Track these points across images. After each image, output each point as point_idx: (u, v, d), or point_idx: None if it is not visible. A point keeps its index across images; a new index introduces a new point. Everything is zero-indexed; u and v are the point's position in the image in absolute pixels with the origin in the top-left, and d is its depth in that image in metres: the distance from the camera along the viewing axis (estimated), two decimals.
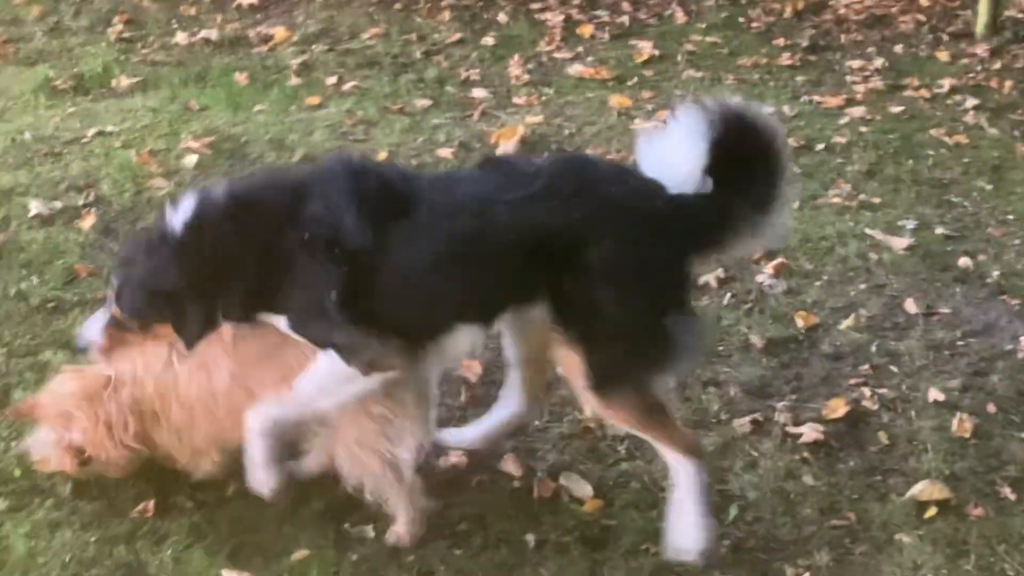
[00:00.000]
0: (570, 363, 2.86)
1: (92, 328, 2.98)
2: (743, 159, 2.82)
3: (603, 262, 2.74)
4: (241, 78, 5.84)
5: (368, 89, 5.79)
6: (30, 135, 5.06)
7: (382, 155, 4.95)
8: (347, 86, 5.82)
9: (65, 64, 5.92)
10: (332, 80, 5.88)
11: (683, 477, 2.91)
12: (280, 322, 2.84)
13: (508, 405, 3.22)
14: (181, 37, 6.36)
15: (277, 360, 2.91)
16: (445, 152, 5.05)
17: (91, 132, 5.13)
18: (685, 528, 2.92)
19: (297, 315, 2.81)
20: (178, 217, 2.78)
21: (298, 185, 2.86)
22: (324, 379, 2.85)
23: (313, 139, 5.18)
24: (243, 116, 5.40)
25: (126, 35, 6.37)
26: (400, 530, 2.97)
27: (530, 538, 3.01)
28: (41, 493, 3.06)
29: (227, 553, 2.91)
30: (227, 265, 2.78)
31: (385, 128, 5.32)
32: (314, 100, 5.63)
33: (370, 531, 3.00)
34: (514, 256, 2.76)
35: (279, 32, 6.49)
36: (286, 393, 2.87)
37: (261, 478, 2.91)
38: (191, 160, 4.88)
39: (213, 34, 6.41)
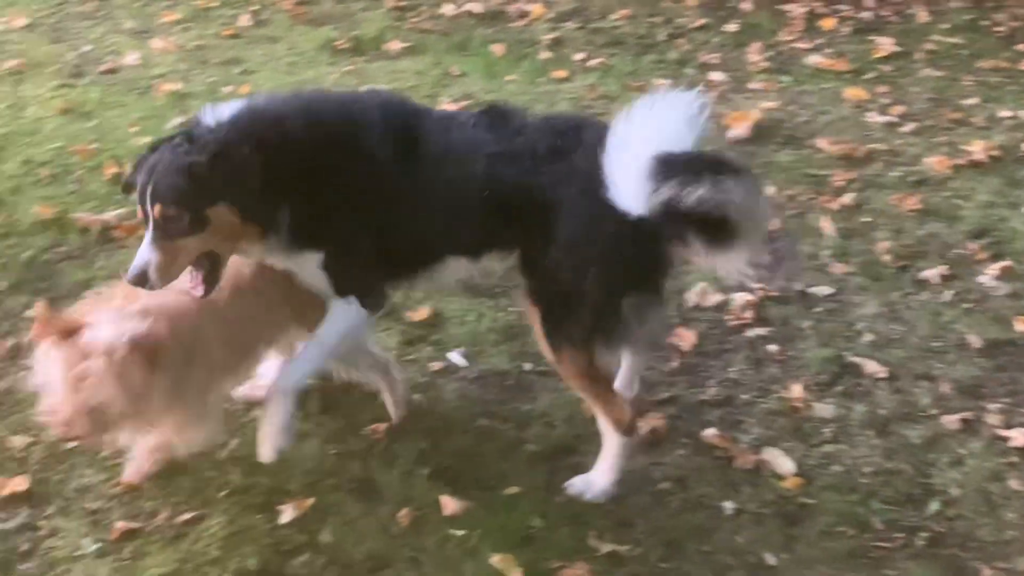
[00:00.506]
0: (530, 312, 2.89)
1: (141, 255, 2.60)
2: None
3: (565, 228, 2.72)
4: (498, 49, 5.96)
5: (612, 66, 5.80)
6: (311, 88, 5.35)
7: None
8: (593, 62, 5.84)
9: (346, 27, 6.19)
10: (579, 56, 5.91)
11: (608, 445, 3.00)
12: (311, 261, 2.83)
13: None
14: (448, 8, 6.53)
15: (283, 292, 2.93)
16: None
17: (363, 89, 5.37)
18: (597, 475, 3.02)
19: (336, 250, 2.83)
20: (225, 119, 2.70)
21: (342, 113, 2.88)
22: (345, 325, 2.90)
23: (557, 109, 5.24)
24: (496, 84, 5.53)
25: (401, 4, 6.59)
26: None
27: (728, 505, 3.01)
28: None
29: (447, 480, 3.03)
30: (288, 174, 2.69)
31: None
32: (561, 73, 5.69)
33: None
34: (489, 206, 2.78)
35: (536, 9, 6.57)
36: (309, 346, 2.93)
37: (276, 437, 2.86)
38: None
39: (477, 7, 6.55)
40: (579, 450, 3.18)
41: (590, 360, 2.84)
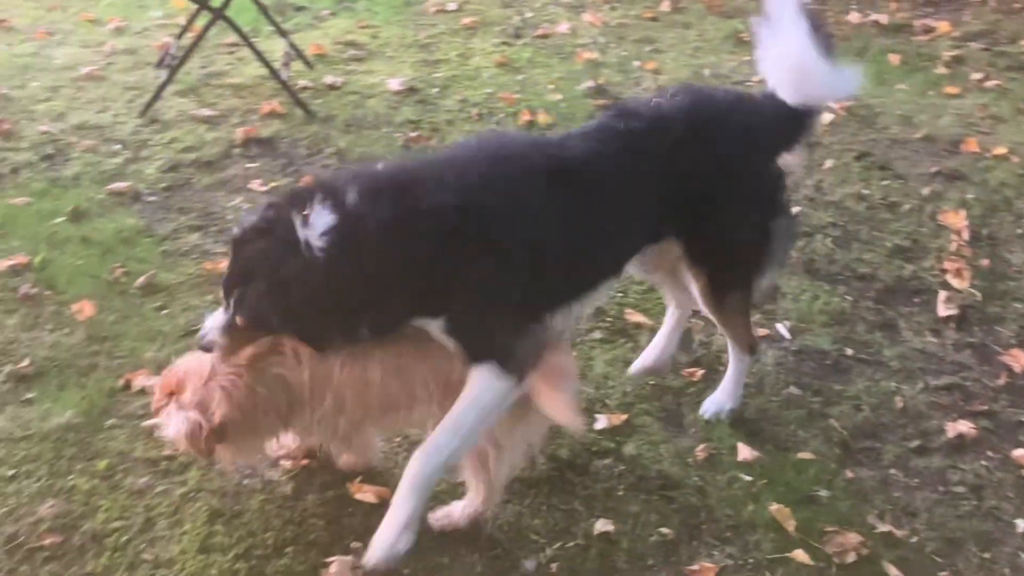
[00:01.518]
0: (695, 279, 2.79)
1: (212, 328, 2.32)
2: None
3: (728, 191, 2.64)
4: (894, 59, 5.64)
5: (1009, 90, 5.28)
6: (708, 72, 5.39)
7: (999, 150, 4.57)
8: (989, 83, 5.35)
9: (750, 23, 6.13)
10: (977, 76, 5.44)
11: (736, 365, 3.00)
12: (434, 325, 2.31)
13: (675, 308, 3.14)
14: (854, 16, 6.26)
15: (428, 351, 2.38)
16: None
17: (755, 79, 5.33)
18: (725, 395, 3.02)
19: (460, 314, 2.29)
20: (316, 224, 2.15)
21: (445, 174, 2.31)
22: (486, 398, 2.32)
23: (940, 122, 4.90)
24: (884, 91, 5.25)
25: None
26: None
27: (1021, 523, 2.77)
28: (627, 335, 3.40)
29: (747, 431, 3.03)
30: (379, 277, 2.18)
31: (1012, 126, 4.85)
32: (953, 90, 5.28)
33: (867, 471, 2.92)
34: (652, 203, 2.58)
35: (942, 26, 6.11)
36: (442, 429, 2.34)
37: (394, 538, 2.37)
38: (826, 118, 4.87)
39: (883, 19, 6.22)
40: (880, 437, 3.05)
41: (750, 297, 2.90)
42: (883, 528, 2.72)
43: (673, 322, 3.15)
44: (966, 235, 4.02)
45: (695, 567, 2.55)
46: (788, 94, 2.71)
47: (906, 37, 6.04)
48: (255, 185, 4.12)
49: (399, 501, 2.35)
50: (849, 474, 2.90)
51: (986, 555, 2.68)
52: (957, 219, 4.11)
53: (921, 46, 5.90)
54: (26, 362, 3.09)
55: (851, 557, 2.62)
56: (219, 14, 4.59)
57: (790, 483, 2.84)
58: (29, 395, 2.99)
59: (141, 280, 3.48)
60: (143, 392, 2.98)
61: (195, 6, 4.72)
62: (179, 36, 5.02)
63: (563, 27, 5.91)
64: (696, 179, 2.58)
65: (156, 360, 3.12)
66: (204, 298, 3.42)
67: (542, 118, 4.71)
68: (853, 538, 2.66)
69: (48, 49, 5.33)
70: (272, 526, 2.59)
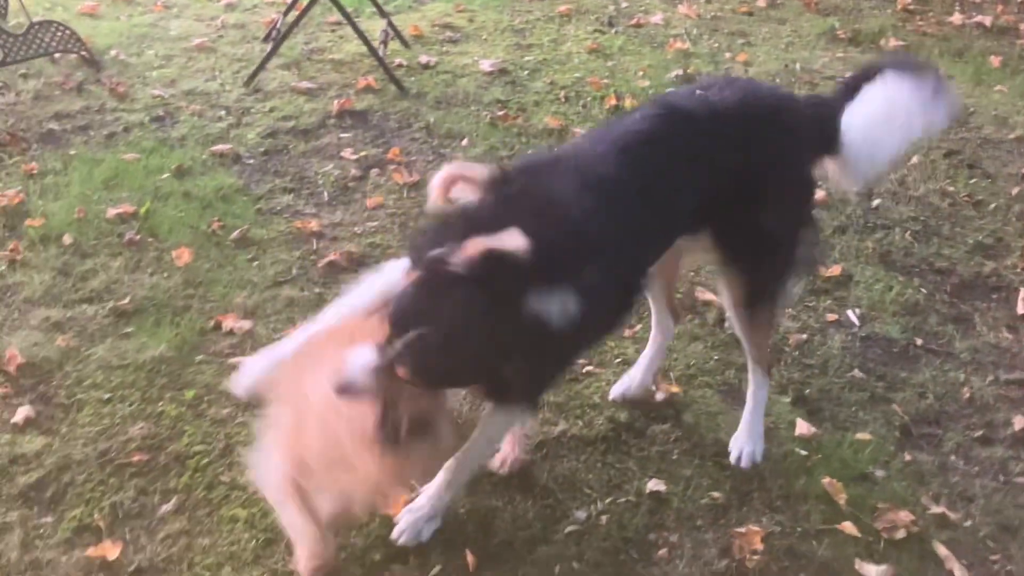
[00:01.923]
0: (729, 284, 2.69)
1: (359, 365, 2.01)
2: None
3: (769, 191, 2.54)
4: (995, 61, 5.52)
5: None
6: (799, 66, 5.38)
7: None
8: None
9: (851, 20, 6.07)
10: None
11: (756, 393, 2.85)
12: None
13: (659, 332, 3.01)
14: (956, 17, 6.14)
15: None
16: None
17: (847, 74, 5.29)
18: (746, 434, 2.86)
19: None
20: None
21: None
22: (502, 428, 2.54)
23: None
24: (980, 91, 5.16)
25: (911, 7, 6.32)
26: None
27: None
28: (696, 312, 3.45)
29: (807, 409, 3.07)
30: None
31: None
32: None
33: (925, 455, 2.93)
34: (694, 200, 2.49)
35: None
36: (478, 440, 2.46)
37: (424, 524, 2.50)
38: None
39: (986, 20, 6.09)
40: (942, 425, 3.05)
41: (777, 306, 2.85)
42: (936, 510, 2.72)
43: (655, 348, 3.01)
44: None
45: (742, 530, 2.61)
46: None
47: (1010, 40, 5.90)
48: (347, 154, 4.31)
49: (434, 494, 2.49)
50: (907, 457, 2.91)
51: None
52: None
53: (1023, 49, 5.76)
54: (127, 300, 3.33)
55: (900, 534, 2.64)
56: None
57: (846, 460, 2.87)
58: (127, 329, 3.22)
59: (236, 233, 3.70)
60: (231, 333, 3.18)
61: None
62: (285, 13, 5.25)
63: (657, 17, 5.96)
64: (739, 175, 2.48)
65: (244, 306, 3.33)
66: (292, 253, 3.62)
67: (628, 103, 4.78)
68: (904, 516, 2.68)
69: (164, 21, 5.65)
70: None
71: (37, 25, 4.82)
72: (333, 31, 5.56)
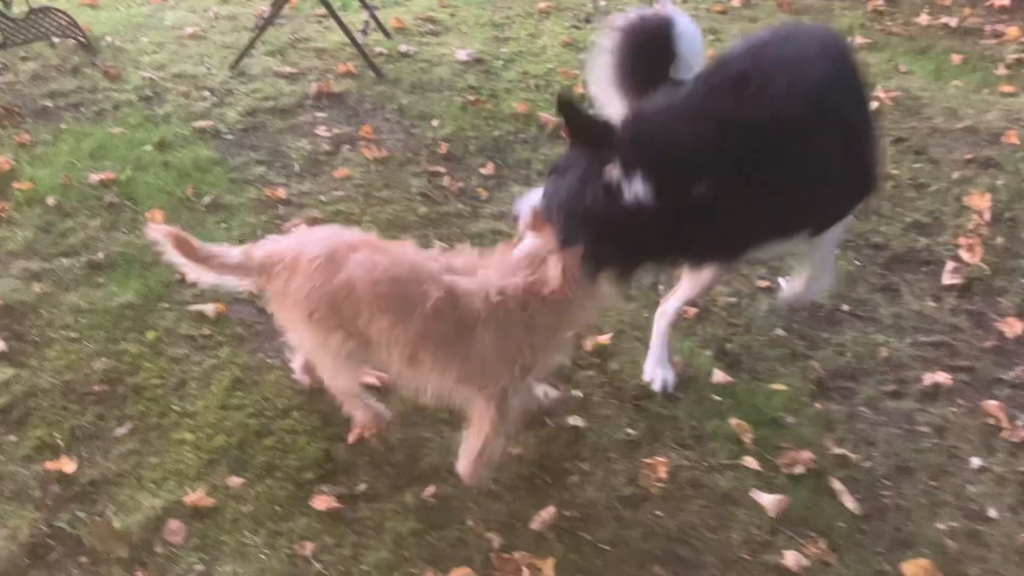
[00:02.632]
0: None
1: (526, 205, 2.59)
2: None
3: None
4: (956, 58, 5.71)
5: None
6: None
7: None
8: None
9: (820, 20, 6.26)
10: None
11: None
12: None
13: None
14: (924, 18, 6.33)
15: None
16: None
17: None
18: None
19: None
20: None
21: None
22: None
23: (985, 116, 4.97)
24: (939, 85, 5.34)
25: (881, 8, 6.51)
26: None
27: (975, 461, 2.95)
28: None
29: (726, 361, 3.26)
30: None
31: None
32: (1009, 88, 5.32)
33: (836, 406, 3.11)
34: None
35: (1012, 31, 6.13)
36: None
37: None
38: (872, 106, 5.02)
39: (952, 21, 6.28)
40: (857, 379, 3.23)
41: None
42: (838, 451, 2.91)
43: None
44: (987, 216, 4.12)
45: (650, 461, 2.80)
46: None
47: (973, 40, 6.08)
48: (320, 131, 4.55)
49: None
50: (818, 406, 3.10)
51: (933, 483, 2.85)
52: (981, 201, 4.21)
53: (987, 49, 5.93)
54: (101, 255, 3.58)
55: (799, 470, 2.83)
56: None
57: (758, 407, 3.06)
58: (99, 280, 3.46)
59: (207, 199, 3.94)
60: (194, 285, 3.41)
61: None
62: (273, 4, 5.50)
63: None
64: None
65: None
66: (259, 217, 3.85)
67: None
68: (806, 455, 2.87)
69: (160, 12, 5.92)
70: (283, 395, 2.97)
71: (38, 11, 5.10)
72: (320, 23, 5.81)
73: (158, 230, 2.57)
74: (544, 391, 2.97)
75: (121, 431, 2.83)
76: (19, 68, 5.07)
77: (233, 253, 2.59)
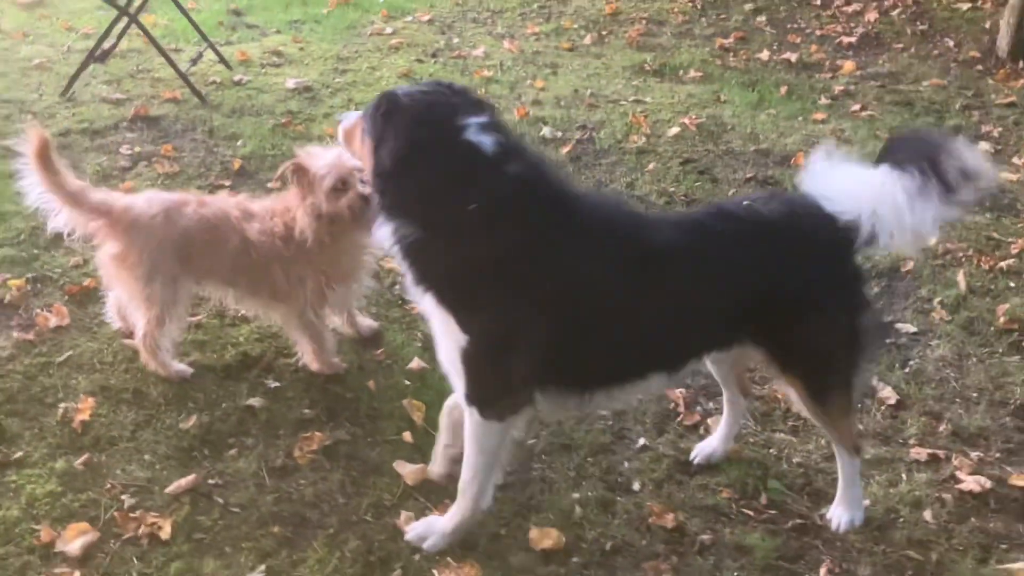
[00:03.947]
0: (791, 386, 2.65)
1: (347, 121, 2.53)
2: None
3: (812, 303, 2.51)
4: (782, 90, 5.97)
5: (878, 119, 5.55)
6: (589, 92, 5.84)
7: None
8: (863, 114, 5.63)
9: (665, 56, 6.54)
10: (855, 107, 5.73)
11: (845, 470, 2.77)
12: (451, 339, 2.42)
13: (732, 410, 2.99)
14: (764, 54, 6.62)
15: None
16: None
17: (631, 99, 5.75)
18: (843, 504, 2.80)
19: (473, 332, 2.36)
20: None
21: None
22: (477, 439, 2.51)
23: (784, 140, 5.21)
24: (751, 113, 5.58)
25: (728, 46, 6.79)
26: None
27: (641, 441, 3.11)
28: None
29: (429, 350, 3.41)
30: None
31: (856, 147, 5.11)
32: (820, 116, 5.58)
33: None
34: (732, 301, 2.49)
35: (847, 65, 6.42)
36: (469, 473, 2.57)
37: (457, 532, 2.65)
38: (674, 131, 5.26)
39: (793, 56, 6.56)
40: None
41: (852, 394, 2.69)
42: None
43: (730, 422, 3.01)
44: None
45: (308, 435, 2.96)
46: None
47: (810, 74, 6.35)
48: (124, 149, 4.79)
49: (461, 506, 2.61)
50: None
51: (590, 459, 2.99)
52: None
53: (817, 82, 6.20)
54: None
55: None
56: (132, 18, 5.36)
57: (442, 391, 3.19)
58: None
59: None
60: None
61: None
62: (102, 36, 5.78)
63: (479, 51, 6.47)
64: (784, 285, 2.47)
65: None
66: (28, 223, 4.04)
67: None
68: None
69: (19, 46, 6.22)
70: None
71: None
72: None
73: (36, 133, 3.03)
74: (367, 323, 3.48)
75: None
76: None
77: (77, 183, 3.10)
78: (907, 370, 3.44)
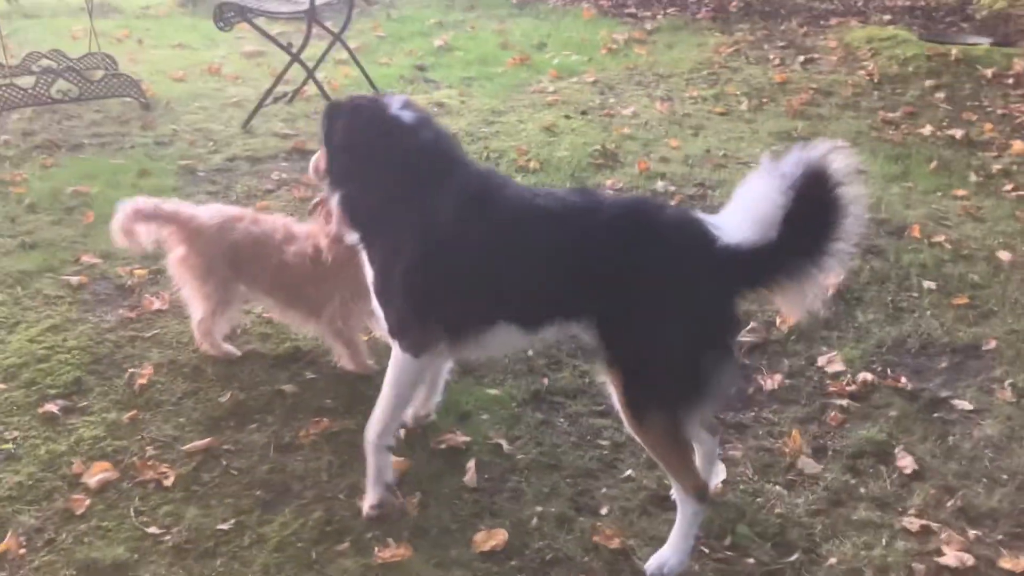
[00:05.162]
0: (611, 382, 2.67)
1: (314, 158, 3.05)
2: (811, 211, 2.45)
3: (647, 298, 2.57)
4: (931, 166, 5.75)
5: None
6: (722, 152, 5.90)
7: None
8: (1012, 193, 5.34)
9: (820, 125, 6.46)
10: (1007, 187, 5.44)
11: (683, 512, 2.76)
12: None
13: (700, 448, 2.90)
14: (927, 129, 6.37)
15: None
16: None
17: None
18: (672, 550, 2.76)
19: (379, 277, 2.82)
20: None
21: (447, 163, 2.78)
22: (395, 370, 2.85)
23: (907, 212, 5.05)
24: (882, 185, 5.42)
25: (890, 118, 6.60)
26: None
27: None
28: None
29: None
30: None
31: (992, 227, 4.86)
32: (961, 192, 5.35)
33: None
34: (567, 275, 2.65)
35: (1018, 145, 6.07)
36: (379, 405, 2.90)
37: (374, 489, 2.91)
38: None
39: (959, 133, 6.28)
40: (575, 398, 3.53)
41: (675, 424, 2.62)
42: (498, 441, 3.27)
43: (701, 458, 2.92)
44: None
45: (319, 420, 3.29)
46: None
47: (972, 151, 6.05)
48: (273, 175, 5.45)
49: (370, 462, 2.93)
50: (516, 410, 3.45)
51: (568, 480, 3.12)
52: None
53: (976, 159, 5.90)
54: (28, 239, 4.59)
55: (443, 446, 3.23)
56: (310, 73, 6.10)
57: (459, 402, 3.45)
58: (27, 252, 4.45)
59: None
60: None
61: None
62: (274, 83, 6.59)
63: (628, 110, 6.71)
64: (632, 270, 2.57)
65: None
66: None
67: (532, 165, 5.57)
68: (460, 438, 3.27)
69: (229, 87, 7.22)
70: None
71: (111, 76, 6.45)
72: None
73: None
74: None
75: None
76: (85, 116, 6.41)
77: (151, 200, 3.60)
78: (940, 443, 3.28)
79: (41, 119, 6.34)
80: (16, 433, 3.24)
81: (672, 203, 5.11)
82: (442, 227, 2.68)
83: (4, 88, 6.20)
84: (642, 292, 2.57)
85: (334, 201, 2.86)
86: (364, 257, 2.86)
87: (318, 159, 2.99)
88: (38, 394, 3.42)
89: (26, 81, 6.41)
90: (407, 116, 2.77)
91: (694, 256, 2.57)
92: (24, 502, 2.95)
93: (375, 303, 2.87)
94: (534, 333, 2.80)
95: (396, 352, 2.84)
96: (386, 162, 2.75)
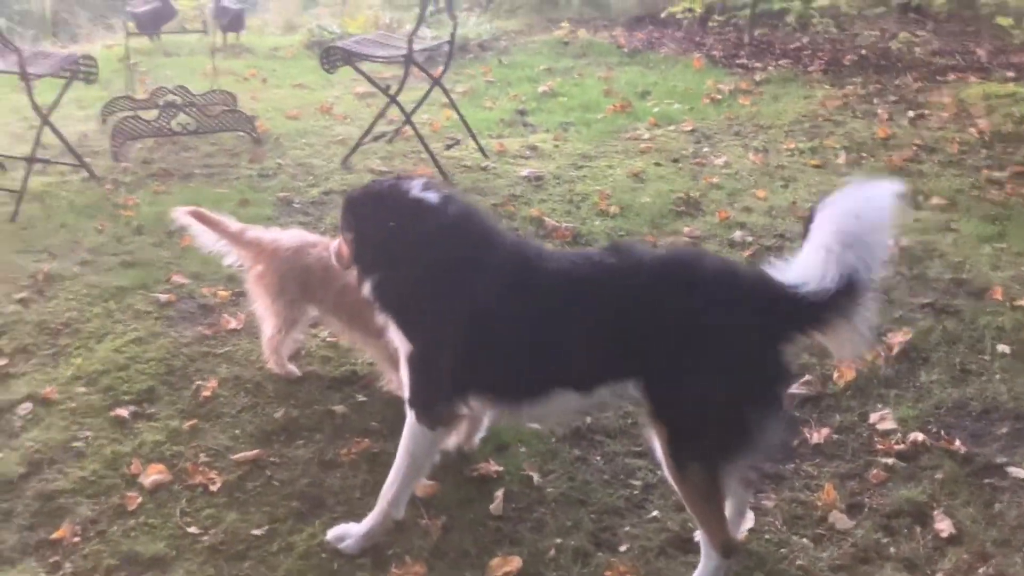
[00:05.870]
0: (655, 432, 2.71)
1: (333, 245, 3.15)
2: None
3: (688, 352, 2.60)
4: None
5: None
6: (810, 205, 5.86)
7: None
8: None
9: (920, 181, 6.31)
10: None
11: (705, 564, 2.79)
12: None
13: (732, 499, 2.89)
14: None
15: None
16: None
17: None
18: None
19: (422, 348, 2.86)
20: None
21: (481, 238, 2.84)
22: (410, 444, 2.92)
23: (993, 274, 4.89)
24: (971, 244, 5.26)
25: (997, 178, 6.41)
26: None
27: None
28: None
29: None
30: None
31: None
32: None
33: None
34: (610, 337, 2.69)
35: None
36: (394, 472, 2.97)
37: (361, 538, 2.99)
38: None
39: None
40: (614, 437, 3.60)
41: (714, 476, 2.66)
42: (529, 473, 3.37)
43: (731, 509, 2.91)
44: (894, 351, 4.19)
45: (362, 441, 3.47)
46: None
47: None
48: None
49: (377, 514, 3.00)
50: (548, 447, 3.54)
51: (593, 515, 3.19)
52: (898, 336, 4.27)
53: None
54: (129, 257, 4.97)
55: (481, 474, 3.33)
56: (407, 117, 6.42)
57: (503, 436, 3.58)
58: (128, 271, 4.84)
59: None
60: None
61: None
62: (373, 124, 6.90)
63: (721, 160, 6.74)
64: (664, 330, 2.63)
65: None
66: None
67: (614, 210, 5.68)
68: (493, 467, 3.38)
69: (336, 125, 7.62)
70: None
71: (228, 111, 6.93)
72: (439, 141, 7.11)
73: (182, 214, 3.91)
74: None
75: None
76: (201, 148, 6.90)
77: (234, 224, 3.92)
78: (985, 509, 3.19)
79: (161, 149, 6.87)
80: (88, 433, 3.54)
81: (746, 254, 5.13)
82: (488, 303, 2.75)
83: (130, 120, 6.75)
84: (682, 346, 2.61)
85: (366, 289, 2.92)
86: (394, 330, 2.91)
87: (339, 247, 3.07)
88: (113, 399, 3.73)
89: (151, 114, 6.95)
90: (431, 197, 2.82)
91: (732, 305, 2.61)
92: (84, 495, 3.23)
93: (403, 371, 2.91)
94: (588, 396, 2.83)
95: (411, 422, 2.91)
96: (420, 245, 2.79)
